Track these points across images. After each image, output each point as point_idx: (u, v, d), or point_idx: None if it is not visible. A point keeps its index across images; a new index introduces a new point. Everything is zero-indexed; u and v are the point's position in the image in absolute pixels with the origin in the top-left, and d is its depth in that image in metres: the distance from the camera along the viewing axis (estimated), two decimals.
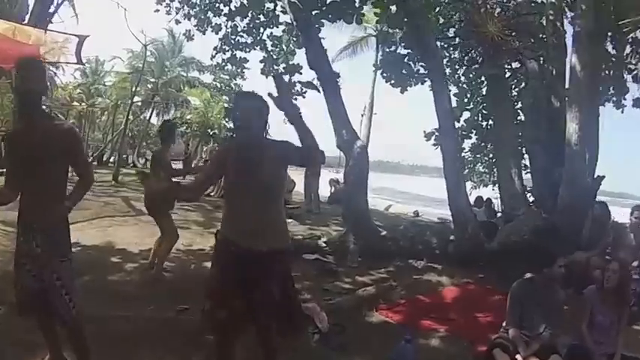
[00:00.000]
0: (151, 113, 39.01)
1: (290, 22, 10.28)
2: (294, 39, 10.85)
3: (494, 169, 12.36)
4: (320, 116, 9.00)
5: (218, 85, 34.46)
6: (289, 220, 10.54)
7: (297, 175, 13.71)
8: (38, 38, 7.76)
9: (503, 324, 4.07)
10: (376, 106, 29.09)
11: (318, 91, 8.83)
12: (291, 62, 11.36)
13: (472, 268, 7.10)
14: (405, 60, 10.09)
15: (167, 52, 36.62)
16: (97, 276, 5.97)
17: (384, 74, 10.29)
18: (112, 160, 28.66)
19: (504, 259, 6.75)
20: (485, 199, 12.74)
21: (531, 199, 9.14)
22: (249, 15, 11.27)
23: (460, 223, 7.71)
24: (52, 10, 19.28)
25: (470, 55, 10.50)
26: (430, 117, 8.74)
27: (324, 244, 7.92)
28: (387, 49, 10.94)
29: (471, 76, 11.75)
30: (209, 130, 33.57)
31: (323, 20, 8.89)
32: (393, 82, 10.22)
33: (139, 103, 35.80)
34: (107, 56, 35.96)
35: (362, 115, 27.33)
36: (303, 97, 11.02)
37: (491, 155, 12.93)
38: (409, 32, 8.75)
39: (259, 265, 2.99)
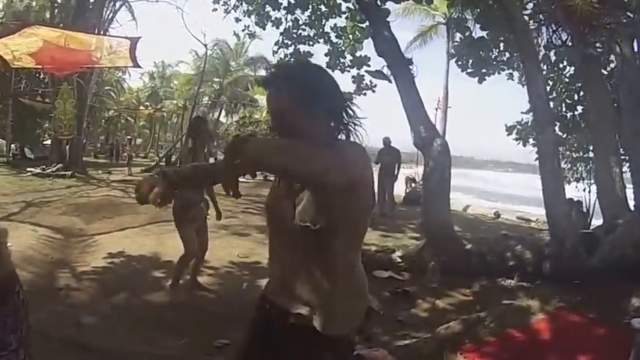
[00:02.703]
0: (219, 113, 39.55)
1: (352, 7, 9.57)
2: (360, 26, 9.93)
3: (578, 166, 11.50)
4: (393, 110, 8.03)
5: None
6: None
7: None
8: (90, 44, 7.40)
9: None
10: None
11: (389, 81, 7.92)
12: (358, 54, 10.40)
13: (569, 289, 5.84)
14: (483, 45, 8.95)
15: (232, 52, 36.71)
16: (131, 294, 5.40)
17: (459, 62, 9.21)
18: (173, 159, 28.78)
19: (606, 279, 5.72)
20: (575, 201, 11.33)
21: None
22: (310, 6, 10.54)
23: (557, 235, 6.47)
24: (110, 15, 20.02)
25: (557, 33, 9.24)
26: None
27: (399, 259, 6.91)
28: (461, 36, 9.86)
29: (553, 59, 10.46)
30: None
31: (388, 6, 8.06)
32: (469, 70, 9.11)
33: (208, 104, 36.32)
34: (174, 60, 36.63)
35: (436, 109, 25.95)
36: (373, 91, 10.29)
37: (573, 149, 11.62)
38: (493, 11, 7.64)
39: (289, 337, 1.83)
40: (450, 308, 5.45)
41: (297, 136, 1.67)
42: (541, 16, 8.99)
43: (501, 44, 9.03)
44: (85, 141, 28.05)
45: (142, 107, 37.52)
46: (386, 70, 8.19)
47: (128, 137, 33.69)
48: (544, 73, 10.04)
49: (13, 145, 23.21)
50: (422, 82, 9.38)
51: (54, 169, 17.74)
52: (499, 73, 9.51)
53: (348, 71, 10.42)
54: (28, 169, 17.96)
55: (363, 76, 10.11)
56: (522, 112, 10.55)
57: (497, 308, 5.20)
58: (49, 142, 23.12)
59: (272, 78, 1.75)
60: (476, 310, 5.19)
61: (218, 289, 5.75)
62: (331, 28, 10.69)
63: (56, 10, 19.00)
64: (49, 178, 16.74)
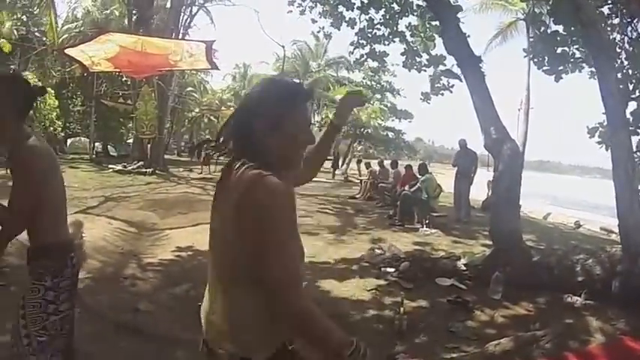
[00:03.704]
0: None
1: (422, 5, 9.36)
2: (431, 23, 9.66)
3: None
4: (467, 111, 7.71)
5: (368, 82, 34.35)
6: (433, 231, 9.88)
7: (445, 179, 12.55)
8: (166, 48, 7.64)
9: None
10: (534, 99, 26.12)
11: (460, 79, 7.80)
12: (432, 52, 10.11)
13: (639, 312, 5.27)
14: (558, 40, 8.38)
15: (312, 53, 36.96)
16: (192, 286, 5.54)
17: (535, 60, 8.73)
18: None
19: None
20: None
21: None
22: (384, 5, 10.35)
23: (630, 250, 5.82)
24: (187, 20, 20.73)
25: (632, 25, 8.49)
26: (594, 109, 6.88)
27: (464, 267, 6.60)
28: (537, 31, 9.33)
29: (635, 52, 9.58)
30: (362, 130, 33.30)
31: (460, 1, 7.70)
32: (546, 68, 8.62)
33: None
34: (255, 61, 37.58)
35: (519, 110, 24.78)
36: (450, 91, 9.90)
37: None
38: (563, 3, 7.13)
39: None
40: (508, 323, 5.11)
41: None
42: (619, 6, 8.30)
43: (580, 40, 8.44)
44: (169, 140, 29.12)
45: (224, 108, 38.53)
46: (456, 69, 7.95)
47: (207, 137, 34.88)
48: (628, 70, 9.35)
49: (96, 144, 24.51)
50: (503, 81, 8.97)
51: (135, 166, 18.57)
52: (580, 70, 8.89)
53: (425, 70, 10.18)
54: (110, 166, 18.89)
55: (440, 75, 9.81)
56: (603, 113, 9.84)
57: (557, 327, 4.80)
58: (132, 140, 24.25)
59: None
60: (534, 327, 4.83)
61: None
62: (406, 27, 10.53)
63: (134, 17, 19.90)
64: (129, 174, 17.51)
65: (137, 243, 8.00)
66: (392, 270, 6.77)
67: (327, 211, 12.79)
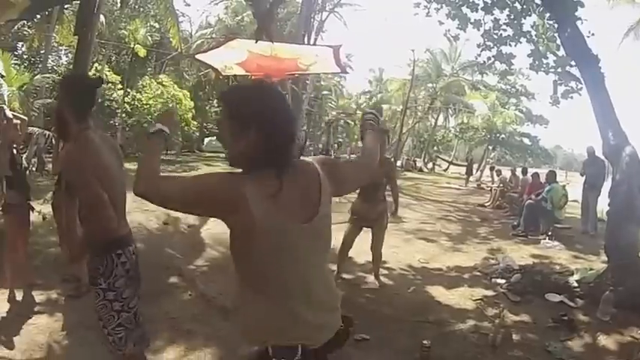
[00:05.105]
0: (437, 118, 39.44)
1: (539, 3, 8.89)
2: (549, 23, 9.13)
3: None
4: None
5: (503, 86, 32.94)
6: (555, 243, 9.42)
7: (572, 187, 11.81)
8: (296, 52, 8.09)
9: None
10: None
11: (579, 81, 7.50)
12: (559, 52, 9.51)
13: None
14: None
15: (446, 57, 36.22)
16: None
17: None
18: (398, 164, 29.21)
19: None
20: None
21: None
22: (508, 4, 9.87)
23: None
24: (317, 25, 21.30)
25: None
26: None
27: (576, 284, 6.20)
28: None
29: None
30: (496, 136, 32.15)
31: None
32: None
33: (425, 108, 36.55)
34: (391, 65, 37.78)
35: None
36: (579, 94, 9.16)
37: None
38: None
39: None
40: (611, 348, 4.69)
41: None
42: None
43: None
44: (305, 142, 30.01)
45: (359, 111, 39.15)
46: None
47: (339, 140, 35.45)
48: None
49: None
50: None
51: None
52: None
53: (552, 72, 9.62)
54: None
55: (567, 79, 9.21)
56: None
57: None
58: None
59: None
60: (638, 355, 4.39)
61: (382, 290, 6.07)
62: (531, 27, 9.98)
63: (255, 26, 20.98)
64: None
65: None
66: (502, 281, 6.60)
67: (452, 218, 12.63)
